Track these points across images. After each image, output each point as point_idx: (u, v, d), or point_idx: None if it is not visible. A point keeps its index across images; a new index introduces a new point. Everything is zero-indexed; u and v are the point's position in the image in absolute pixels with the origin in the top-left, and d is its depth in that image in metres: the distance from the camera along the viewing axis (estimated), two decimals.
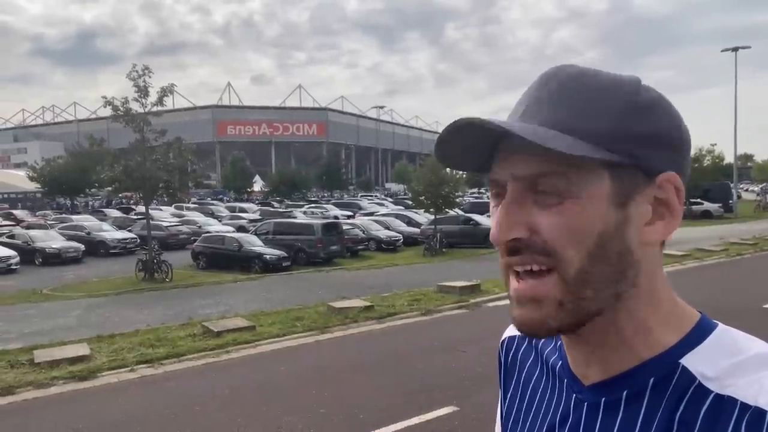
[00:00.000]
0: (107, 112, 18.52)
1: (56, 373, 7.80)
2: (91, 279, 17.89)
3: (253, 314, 11.33)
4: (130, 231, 26.60)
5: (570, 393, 0.68)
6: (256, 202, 53.12)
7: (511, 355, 0.82)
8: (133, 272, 17.65)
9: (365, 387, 7.08)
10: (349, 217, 32.68)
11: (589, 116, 0.58)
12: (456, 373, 7.31)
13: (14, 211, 39.80)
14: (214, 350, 8.92)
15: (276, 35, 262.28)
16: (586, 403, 0.66)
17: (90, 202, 50.91)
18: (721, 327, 0.63)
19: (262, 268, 18.77)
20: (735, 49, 38.00)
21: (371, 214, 33.31)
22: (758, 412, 0.54)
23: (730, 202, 37.39)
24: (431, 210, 23.05)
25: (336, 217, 30.21)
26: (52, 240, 22.86)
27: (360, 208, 39.87)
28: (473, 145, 0.62)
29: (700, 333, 0.62)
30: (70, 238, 23.65)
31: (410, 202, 27.37)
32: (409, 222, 28.29)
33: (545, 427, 0.70)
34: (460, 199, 25.81)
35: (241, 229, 26.80)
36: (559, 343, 0.73)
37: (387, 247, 24.12)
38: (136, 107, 17.56)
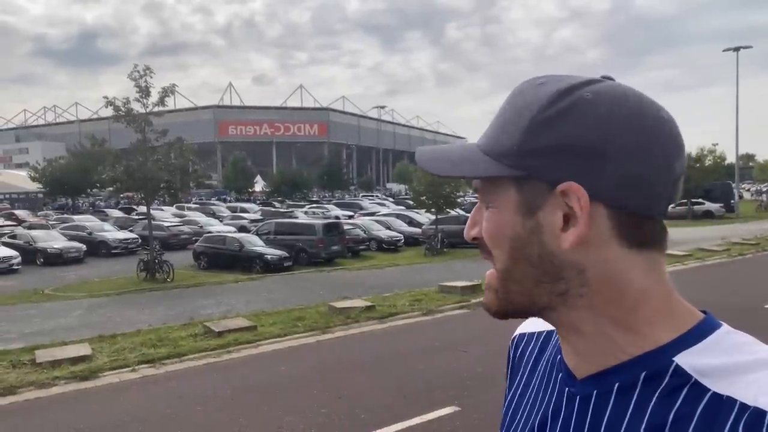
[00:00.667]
0: (109, 112, 18.55)
1: (58, 373, 7.80)
2: (92, 279, 17.92)
3: (255, 314, 11.34)
4: (131, 231, 26.62)
5: (563, 386, 0.70)
6: (258, 202, 53.15)
7: (519, 351, 0.84)
8: (134, 272, 17.67)
9: (366, 387, 7.08)
10: (349, 217, 32.68)
11: (503, 132, 0.65)
12: (457, 373, 7.31)
13: (16, 211, 39.85)
14: (215, 350, 8.93)
15: (277, 35, 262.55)
16: (578, 396, 0.67)
17: (97, 202, 50.98)
18: (724, 328, 0.63)
19: (263, 268, 18.78)
20: (737, 49, 37.98)
21: (372, 214, 33.33)
22: (758, 412, 0.54)
23: (732, 202, 37.36)
24: (432, 210, 23.04)
25: (337, 217, 30.22)
26: (53, 240, 22.89)
27: (361, 208, 39.89)
28: None
29: (700, 332, 0.62)
30: (71, 238, 23.68)
31: (411, 202, 27.37)
32: (411, 222, 28.30)
33: (538, 420, 0.72)
34: (462, 199, 25.81)
35: (242, 229, 26.82)
36: (557, 338, 0.74)
37: (388, 247, 24.13)
38: (137, 107, 17.61)
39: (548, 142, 0.61)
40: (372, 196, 60.96)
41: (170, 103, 18.81)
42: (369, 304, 11.48)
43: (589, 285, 0.63)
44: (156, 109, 17.66)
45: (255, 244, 20.14)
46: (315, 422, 5.94)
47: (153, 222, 20.51)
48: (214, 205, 45.26)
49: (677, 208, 30.02)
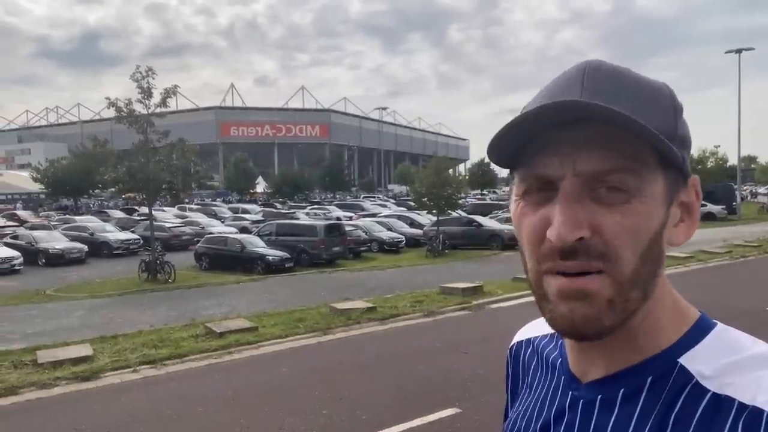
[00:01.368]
0: (111, 113, 18.57)
1: (59, 374, 7.81)
2: (94, 280, 17.92)
3: (256, 315, 11.34)
4: (133, 232, 26.64)
5: (566, 391, 0.69)
6: (259, 203, 53.19)
7: (519, 360, 0.83)
8: (136, 273, 17.67)
9: (367, 388, 7.08)
10: (349, 218, 32.67)
11: (648, 112, 0.57)
12: (458, 375, 7.30)
13: (18, 212, 39.90)
14: (216, 351, 8.93)
15: (279, 37, 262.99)
16: (581, 401, 0.66)
17: (96, 203, 51.02)
18: (720, 326, 0.63)
19: (264, 269, 18.78)
20: (738, 51, 37.92)
21: (374, 215, 33.32)
22: (756, 411, 0.54)
23: (734, 203, 37.30)
24: (434, 211, 23.03)
25: (338, 219, 30.23)
26: (55, 241, 22.91)
27: (362, 210, 39.87)
28: (520, 134, 0.58)
29: (699, 332, 0.62)
30: (73, 239, 23.71)
31: (413, 204, 27.36)
32: (412, 223, 28.28)
33: (540, 424, 0.70)
34: (463, 200, 25.79)
35: (243, 230, 26.82)
36: (560, 342, 0.74)
37: (389, 248, 24.10)
38: (139, 108, 17.62)
39: (684, 132, 0.62)
40: (373, 197, 60.95)
41: (172, 104, 18.85)
42: (370, 305, 11.47)
43: (657, 285, 0.62)
44: (158, 110, 17.68)
45: (256, 245, 20.15)
46: (316, 423, 5.94)
47: (154, 223, 20.54)
48: (215, 206, 45.29)
49: None
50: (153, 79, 17.45)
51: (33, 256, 21.53)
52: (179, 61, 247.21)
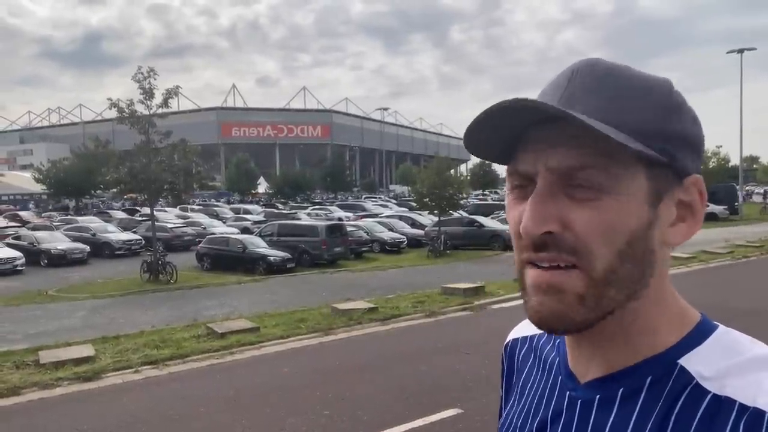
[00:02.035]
0: (113, 114, 18.60)
1: (61, 374, 7.81)
2: (96, 280, 17.94)
3: (257, 315, 11.34)
4: (134, 232, 26.68)
5: (564, 390, 0.68)
6: (261, 203, 53.24)
7: (514, 358, 0.82)
8: (137, 273, 17.69)
9: (369, 389, 7.08)
10: (347, 218, 32.66)
11: (626, 110, 0.58)
12: (460, 376, 7.30)
13: (20, 213, 39.97)
14: (218, 351, 8.93)
15: (281, 38, 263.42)
16: (579, 401, 0.65)
17: (96, 203, 51.10)
18: (721, 328, 0.63)
19: (266, 270, 18.79)
20: (740, 51, 37.87)
21: (375, 215, 33.31)
22: (757, 412, 0.54)
23: (736, 204, 37.24)
24: (435, 212, 23.03)
25: (340, 219, 30.23)
26: (57, 241, 22.96)
27: (364, 210, 39.87)
28: (500, 130, 0.60)
29: (700, 334, 0.62)
30: (75, 239, 23.75)
31: (414, 204, 27.36)
32: (413, 224, 28.27)
33: (537, 424, 0.70)
34: (464, 200, 25.77)
35: (245, 230, 26.83)
36: (557, 341, 0.73)
37: (391, 248, 24.10)
38: (141, 109, 17.65)
39: (678, 129, 0.60)
40: (375, 197, 60.95)
41: (174, 105, 18.86)
42: (372, 305, 11.47)
43: (649, 285, 0.61)
44: (160, 110, 17.72)
45: (258, 245, 20.16)
46: (317, 423, 5.94)
47: (156, 223, 20.55)
48: (217, 206, 45.32)
49: None
50: (155, 79, 17.52)
51: (35, 256, 21.57)
52: (181, 62, 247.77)
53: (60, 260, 21.51)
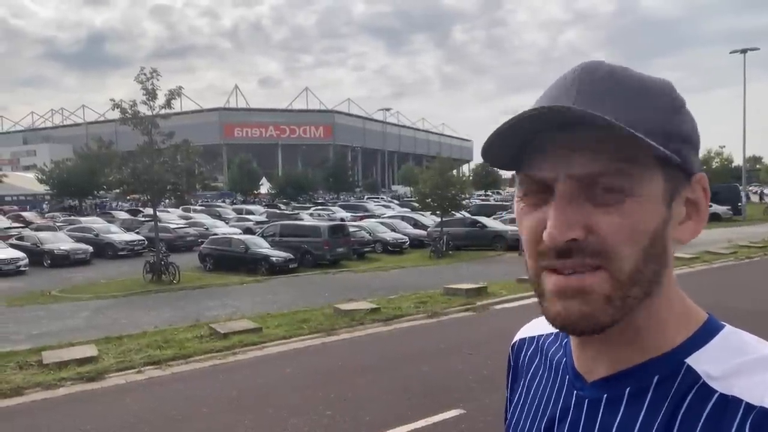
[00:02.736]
0: (116, 114, 18.62)
1: (64, 374, 7.83)
2: (99, 281, 17.99)
3: (260, 316, 11.35)
4: (137, 233, 26.73)
5: (571, 389, 0.68)
6: (263, 204, 53.27)
7: (520, 358, 0.83)
8: (140, 274, 17.73)
9: (371, 389, 7.08)
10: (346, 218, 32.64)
11: (639, 113, 0.58)
12: (462, 376, 7.30)
13: (23, 213, 40.06)
14: (221, 352, 8.94)
15: (284, 38, 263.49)
16: (587, 400, 0.66)
17: (104, 203, 51.17)
18: (728, 328, 0.63)
19: (268, 270, 18.81)
20: (744, 51, 37.77)
21: (377, 216, 33.32)
22: (764, 412, 0.54)
23: (739, 204, 37.16)
24: (437, 212, 23.03)
25: (342, 219, 30.25)
26: (60, 242, 23.02)
27: (366, 210, 39.88)
28: (513, 137, 0.59)
29: (707, 333, 0.62)
30: (78, 240, 23.80)
31: (416, 205, 27.38)
32: (416, 224, 28.27)
33: (544, 423, 0.70)
34: (467, 201, 25.77)
35: (247, 231, 26.87)
36: (564, 341, 0.74)
37: (393, 249, 24.12)
38: (144, 110, 17.69)
39: (685, 129, 0.62)
40: (377, 198, 60.95)
41: (176, 106, 18.88)
42: (374, 306, 11.47)
43: (662, 283, 0.62)
44: (162, 111, 17.75)
45: (260, 246, 20.19)
46: (320, 424, 5.94)
47: (159, 224, 20.57)
48: (219, 207, 45.37)
49: None
50: (157, 80, 17.55)
51: (38, 257, 21.63)
52: (184, 63, 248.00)
53: (63, 261, 21.56)
